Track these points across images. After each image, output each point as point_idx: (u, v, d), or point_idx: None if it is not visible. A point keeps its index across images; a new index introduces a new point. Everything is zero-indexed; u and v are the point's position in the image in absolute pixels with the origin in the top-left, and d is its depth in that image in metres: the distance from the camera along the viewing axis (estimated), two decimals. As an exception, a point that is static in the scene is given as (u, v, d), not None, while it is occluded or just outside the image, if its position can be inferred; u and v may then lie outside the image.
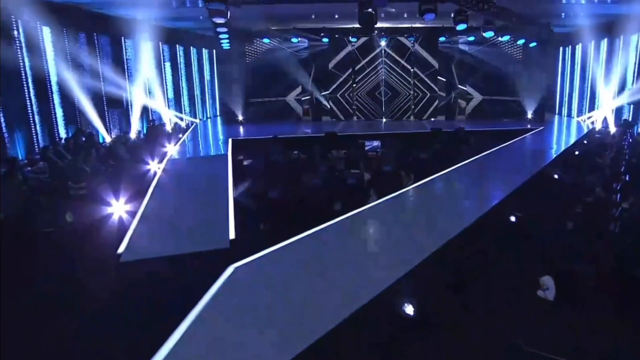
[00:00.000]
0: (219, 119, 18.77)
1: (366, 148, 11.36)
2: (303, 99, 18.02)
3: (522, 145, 11.86)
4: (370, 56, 17.54)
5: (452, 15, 10.22)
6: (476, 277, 4.98)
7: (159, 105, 15.34)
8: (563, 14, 12.87)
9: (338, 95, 17.93)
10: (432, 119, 17.66)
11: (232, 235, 5.67)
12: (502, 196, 6.82)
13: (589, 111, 15.55)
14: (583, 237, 5.07)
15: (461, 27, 10.27)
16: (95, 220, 6.44)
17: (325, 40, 16.78)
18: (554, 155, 9.98)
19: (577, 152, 10.35)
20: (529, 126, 15.06)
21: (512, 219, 6.13)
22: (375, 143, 12.28)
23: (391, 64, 17.55)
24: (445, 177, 8.07)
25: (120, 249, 5.33)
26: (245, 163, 9.58)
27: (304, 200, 6.14)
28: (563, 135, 13.90)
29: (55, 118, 10.54)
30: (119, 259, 5.15)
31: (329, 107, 17.96)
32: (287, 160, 8.61)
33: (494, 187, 7.57)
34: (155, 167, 9.31)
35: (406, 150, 9.81)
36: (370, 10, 9.12)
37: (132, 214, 6.48)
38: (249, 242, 5.52)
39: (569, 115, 17.00)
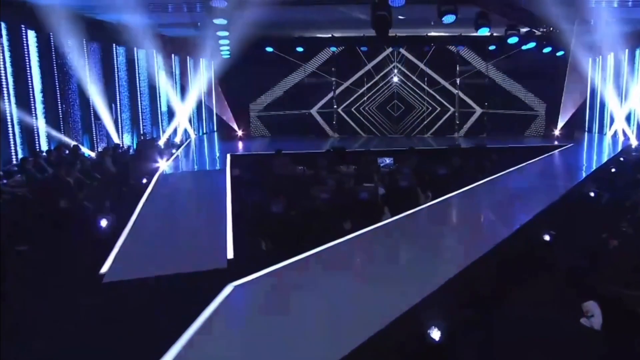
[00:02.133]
0: (216, 134, 18.76)
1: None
2: (307, 113, 18.04)
3: (551, 162, 11.71)
4: (381, 65, 17.59)
5: (474, 19, 10.17)
6: (507, 302, 4.76)
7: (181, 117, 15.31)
8: (592, 21, 12.83)
9: (340, 110, 17.93)
10: (454, 136, 17.61)
11: (230, 254, 5.53)
12: (533, 214, 6.65)
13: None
14: (631, 257, 4.85)
15: (483, 31, 10.24)
16: (77, 237, 6.34)
17: (333, 49, 16.85)
18: (588, 172, 9.82)
19: (613, 170, 10.17)
20: (556, 143, 14.94)
21: (546, 237, 5.92)
22: (388, 160, 12.16)
23: (404, 76, 17.57)
24: (468, 194, 7.90)
25: (104, 269, 5.19)
26: (245, 178, 9.45)
27: (311, 215, 5.96)
28: (595, 152, 13.73)
29: (37, 129, 10.49)
30: (101, 280, 4.99)
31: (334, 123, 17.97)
32: (292, 175, 8.49)
33: (523, 204, 7.40)
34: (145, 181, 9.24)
35: (423, 165, 9.67)
36: (384, 13, 9.09)
37: (118, 231, 6.33)
38: (249, 261, 5.33)
39: (601, 132, 16.86)
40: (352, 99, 17.89)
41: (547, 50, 13.93)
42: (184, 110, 16.87)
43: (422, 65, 17.36)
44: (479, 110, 17.57)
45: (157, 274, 5.05)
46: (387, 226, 6.33)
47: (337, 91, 17.83)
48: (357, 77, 17.76)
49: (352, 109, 17.95)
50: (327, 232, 5.73)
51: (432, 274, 4.60)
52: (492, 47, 16.09)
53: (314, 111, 18.00)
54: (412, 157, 10.14)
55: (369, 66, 17.51)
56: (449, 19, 9.02)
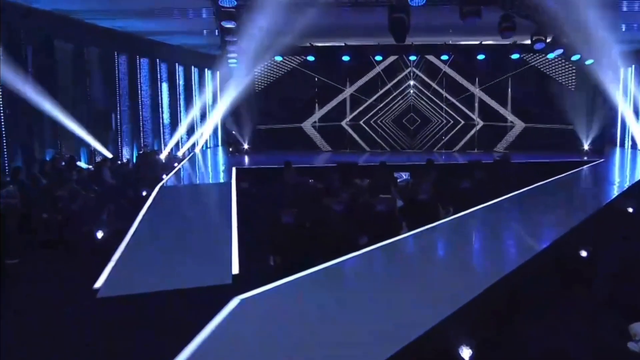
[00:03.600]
0: (220, 148, 18.79)
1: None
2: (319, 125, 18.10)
3: (582, 177, 11.53)
4: (398, 77, 17.58)
5: (498, 22, 10.08)
6: (542, 322, 4.57)
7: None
8: (624, 26, 12.71)
9: (344, 123, 17.93)
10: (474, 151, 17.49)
11: (235, 269, 5.45)
12: (566, 230, 6.49)
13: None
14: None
15: (508, 36, 10.12)
16: (70, 250, 6.28)
17: (346, 58, 16.86)
18: (623, 188, 9.63)
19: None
20: (585, 158, 14.75)
21: (583, 253, 5.73)
22: (405, 175, 12.03)
23: (421, 87, 17.53)
24: (494, 208, 7.76)
25: (98, 283, 5.12)
26: (252, 191, 9.40)
27: (325, 226, 5.83)
28: (628, 168, 13.51)
29: (32, 138, 10.52)
30: (95, 295, 4.91)
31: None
32: (303, 186, 8.41)
33: (555, 218, 7.26)
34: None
35: (443, 179, 9.55)
36: (401, 15, 9.06)
37: (115, 244, 6.25)
38: (256, 276, 5.21)
39: (634, 147, 16.60)
40: (360, 110, 17.87)
41: (575, 58, 13.76)
42: (188, 123, 16.97)
43: (445, 68, 17.28)
44: (519, 124, 17.38)
45: (156, 289, 4.97)
46: (406, 240, 6.17)
47: (340, 101, 17.85)
48: (373, 91, 17.76)
49: (361, 122, 17.94)
50: (341, 247, 5.59)
51: (457, 290, 4.41)
52: (515, 56, 15.98)
53: (310, 124, 18.01)
54: (431, 170, 9.98)
55: (379, 69, 17.48)
56: (472, 21, 8.95)
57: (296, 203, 6.41)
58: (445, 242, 6.52)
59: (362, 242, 6.05)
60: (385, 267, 5.42)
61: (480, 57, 16.62)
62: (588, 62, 14.34)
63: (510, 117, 17.56)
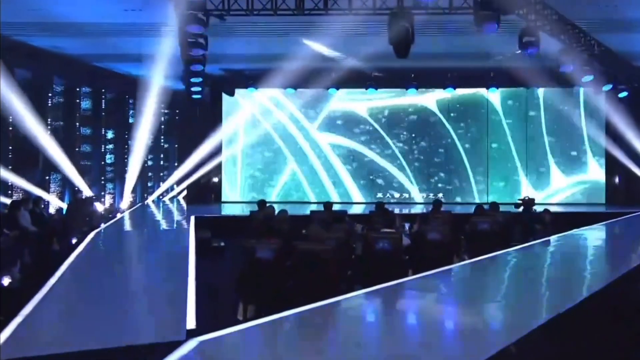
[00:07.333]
0: (180, 198, 18.58)
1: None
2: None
3: (622, 227, 11.33)
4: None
5: (518, 36, 9.97)
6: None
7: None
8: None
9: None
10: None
11: (190, 324, 5.03)
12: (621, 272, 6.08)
13: None
14: None
15: (531, 52, 9.98)
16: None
17: (333, 91, 16.80)
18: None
19: None
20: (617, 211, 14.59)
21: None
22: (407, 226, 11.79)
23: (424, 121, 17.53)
24: (518, 253, 7.49)
25: None
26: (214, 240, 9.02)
27: (311, 266, 5.36)
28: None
29: None
30: None
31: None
32: (284, 220, 8.04)
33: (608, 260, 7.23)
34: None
35: (458, 220, 9.41)
36: (405, 24, 8.88)
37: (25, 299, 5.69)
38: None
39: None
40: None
41: (607, 88, 13.65)
42: (138, 168, 16.65)
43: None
44: None
45: (77, 348, 4.49)
46: (409, 284, 5.87)
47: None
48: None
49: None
50: (330, 291, 5.20)
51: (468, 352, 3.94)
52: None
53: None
54: (439, 209, 9.70)
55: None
56: (490, 29, 8.83)
57: (276, 236, 5.94)
58: (458, 291, 6.12)
59: (359, 284, 5.89)
60: (378, 314, 5.16)
61: (493, 90, 16.73)
62: (622, 94, 14.37)
63: None
